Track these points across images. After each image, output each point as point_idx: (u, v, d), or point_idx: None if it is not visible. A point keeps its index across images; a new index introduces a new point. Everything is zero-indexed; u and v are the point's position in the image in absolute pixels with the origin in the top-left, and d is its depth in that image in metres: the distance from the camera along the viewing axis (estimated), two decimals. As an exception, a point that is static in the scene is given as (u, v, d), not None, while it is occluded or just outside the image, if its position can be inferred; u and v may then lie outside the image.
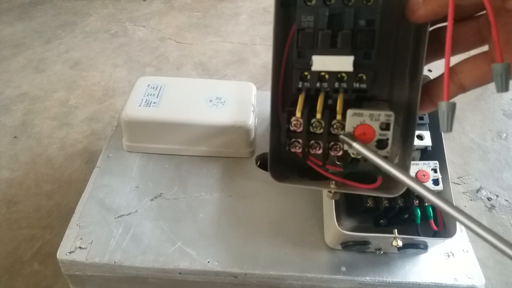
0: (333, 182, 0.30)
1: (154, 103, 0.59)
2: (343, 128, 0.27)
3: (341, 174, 0.30)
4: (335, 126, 0.27)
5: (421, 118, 0.47)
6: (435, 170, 0.45)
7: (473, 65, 0.24)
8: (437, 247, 0.50)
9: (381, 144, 0.26)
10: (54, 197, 0.90)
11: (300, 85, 0.27)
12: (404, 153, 0.29)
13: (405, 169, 0.28)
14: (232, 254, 0.49)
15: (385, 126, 0.26)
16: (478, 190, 0.97)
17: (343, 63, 0.25)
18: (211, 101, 0.60)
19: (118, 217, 0.52)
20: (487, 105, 1.23)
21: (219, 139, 0.59)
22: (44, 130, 1.07)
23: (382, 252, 0.48)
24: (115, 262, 0.47)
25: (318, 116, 0.27)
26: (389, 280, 0.47)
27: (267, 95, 0.29)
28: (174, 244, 0.49)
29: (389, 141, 0.26)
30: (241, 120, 0.58)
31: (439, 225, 0.46)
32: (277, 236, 0.51)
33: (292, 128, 0.28)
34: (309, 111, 0.27)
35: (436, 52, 0.26)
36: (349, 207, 0.51)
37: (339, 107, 0.27)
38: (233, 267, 0.47)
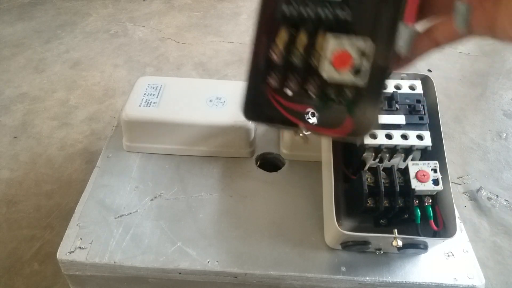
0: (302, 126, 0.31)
1: (154, 103, 0.59)
2: (322, 60, 0.28)
3: (315, 108, 0.31)
4: (315, 56, 0.28)
5: (421, 118, 0.46)
6: (435, 170, 0.45)
7: (446, 24, 0.28)
8: (437, 247, 0.50)
9: (357, 72, 0.27)
10: (54, 197, 0.90)
11: (285, 9, 0.27)
12: (373, 89, 0.29)
13: (373, 110, 0.29)
14: (232, 254, 0.49)
15: (362, 53, 0.27)
16: (478, 190, 0.97)
17: None
18: (211, 101, 0.60)
19: (118, 217, 0.52)
20: (487, 105, 1.23)
21: (219, 139, 0.59)
22: (44, 130, 1.07)
23: (382, 252, 0.48)
24: (115, 262, 0.47)
25: (300, 47, 0.28)
26: (389, 280, 0.47)
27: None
28: (174, 244, 0.49)
29: (366, 69, 0.27)
30: (241, 120, 0.58)
31: (439, 225, 0.46)
32: (277, 236, 0.51)
33: (273, 58, 0.28)
34: (289, 43, 0.28)
35: (423, 11, 0.29)
36: (349, 207, 0.51)
37: (320, 38, 0.27)
38: (233, 267, 0.47)
